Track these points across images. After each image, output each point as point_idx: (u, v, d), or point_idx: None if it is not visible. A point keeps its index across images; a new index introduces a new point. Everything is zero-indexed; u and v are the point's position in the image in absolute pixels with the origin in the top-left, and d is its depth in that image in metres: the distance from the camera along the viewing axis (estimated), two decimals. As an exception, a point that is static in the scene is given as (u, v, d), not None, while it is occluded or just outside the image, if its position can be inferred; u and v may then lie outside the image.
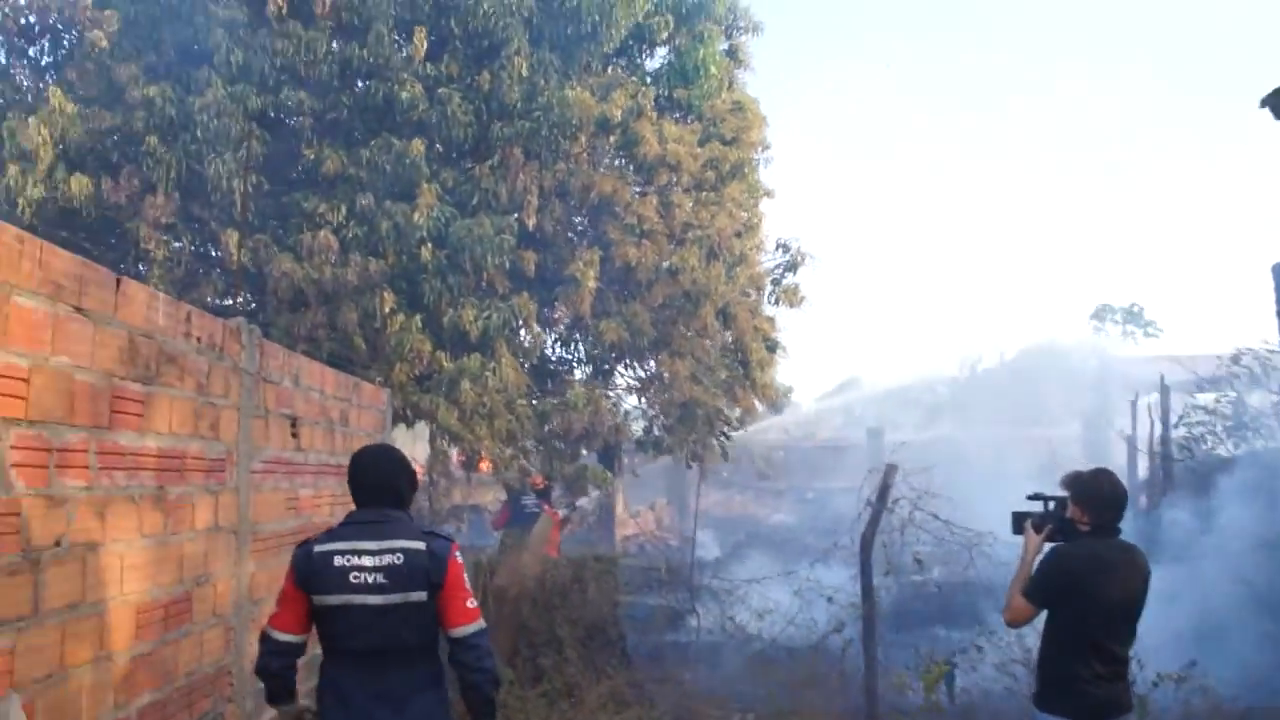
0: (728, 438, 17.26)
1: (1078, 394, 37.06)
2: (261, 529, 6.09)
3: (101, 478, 4.07)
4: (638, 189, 15.34)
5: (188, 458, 4.97)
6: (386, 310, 12.77)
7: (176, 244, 13.30)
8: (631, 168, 15.53)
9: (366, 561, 4.23)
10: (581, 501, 16.94)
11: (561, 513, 15.39)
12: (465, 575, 4.39)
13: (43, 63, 14.62)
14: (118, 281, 4.27)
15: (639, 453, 17.86)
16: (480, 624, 4.34)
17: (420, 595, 4.23)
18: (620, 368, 17.49)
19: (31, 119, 12.49)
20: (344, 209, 13.14)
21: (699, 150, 16.04)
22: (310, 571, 4.31)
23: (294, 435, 6.86)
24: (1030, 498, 5.68)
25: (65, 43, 14.36)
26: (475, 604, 4.38)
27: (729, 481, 33.20)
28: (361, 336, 12.92)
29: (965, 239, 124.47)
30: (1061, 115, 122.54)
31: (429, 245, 13.20)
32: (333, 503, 7.63)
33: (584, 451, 16.38)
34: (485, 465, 15.30)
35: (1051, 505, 5.59)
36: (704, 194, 16.18)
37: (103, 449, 4.09)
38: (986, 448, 32.67)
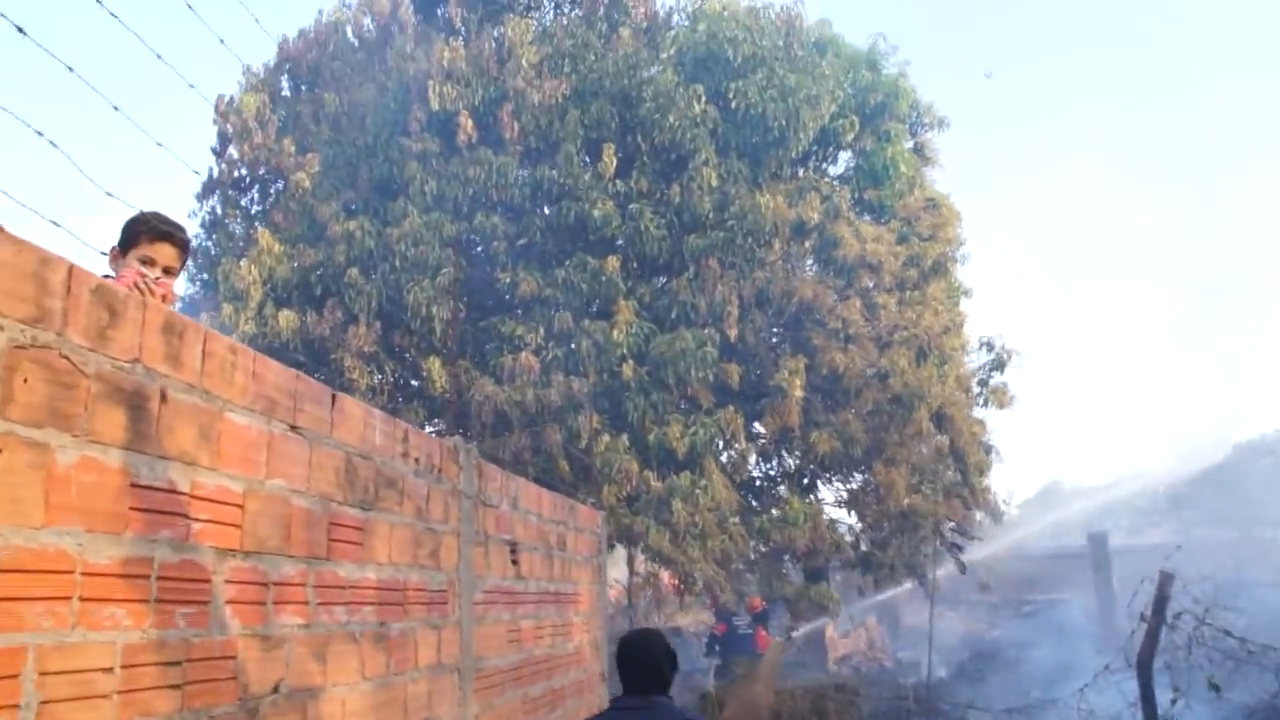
0: (959, 549, 16.08)
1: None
2: (484, 665, 5.56)
3: (321, 614, 3.58)
4: (838, 292, 14.67)
5: (409, 589, 4.49)
6: (591, 431, 12.37)
7: (379, 374, 13.31)
8: (831, 271, 14.91)
9: None
10: (806, 628, 15.96)
11: (777, 638, 14.48)
12: None
13: (253, 211, 15.16)
14: (333, 397, 3.87)
15: (848, 569, 16.75)
16: None
17: None
18: (828, 479, 16.62)
19: (243, 261, 12.83)
20: (542, 330, 12.94)
21: (898, 249, 15.34)
22: None
23: (514, 562, 6.37)
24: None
25: (273, 191, 14.87)
26: None
27: (940, 596, 31.32)
28: (566, 458, 12.56)
29: (1170, 330, 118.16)
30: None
31: (630, 362, 12.82)
32: (553, 634, 7.07)
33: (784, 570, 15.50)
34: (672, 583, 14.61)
35: None
36: (907, 293, 15.41)
37: (321, 582, 3.61)
38: (1222, 551, 30.07)
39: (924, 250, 15.55)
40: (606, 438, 12.51)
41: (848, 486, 16.36)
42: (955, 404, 15.90)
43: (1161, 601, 8.08)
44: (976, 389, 17.30)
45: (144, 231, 3.93)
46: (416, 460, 4.77)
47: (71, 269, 2.43)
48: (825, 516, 14.45)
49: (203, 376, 2.99)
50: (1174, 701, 8.34)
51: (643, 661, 4.68)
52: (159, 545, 2.69)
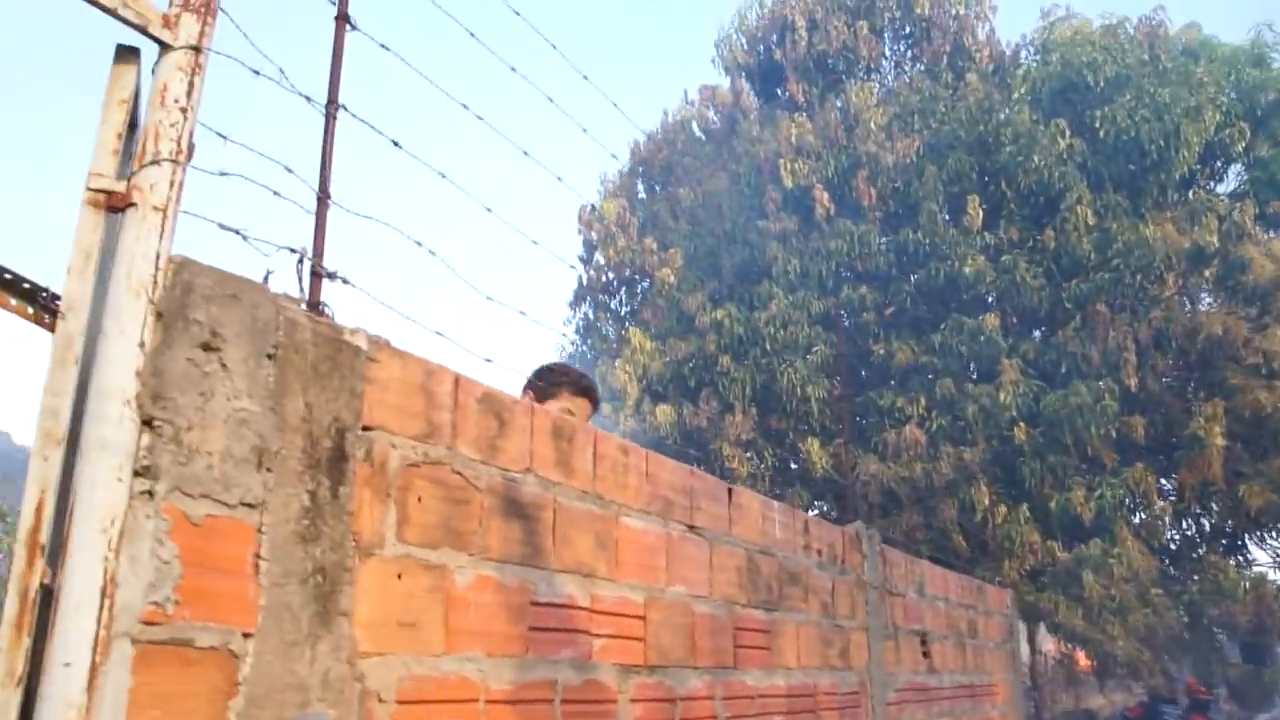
0: None
1: None
2: (908, 773, 5.10)
3: (736, 734, 3.31)
4: (1252, 322, 13.05)
5: (819, 694, 4.14)
6: (986, 502, 11.56)
7: (758, 460, 13.13)
8: (1240, 299, 13.30)
9: None
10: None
11: None
12: None
13: (622, 312, 15.64)
14: (729, 491, 3.63)
15: None
16: None
17: None
18: (1259, 538, 14.68)
19: (617, 361, 13.18)
20: (923, 400, 12.35)
21: (1319, 263, 13.49)
22: None
23: (925, 655, 5.87)
24: None
25: (640, 290, 15.29)
26: None
27: None
28: (962, 534, 11.81)
29: None
30: None
31: (1021, 425, 11.95)
32: (977, 732, 6.46)
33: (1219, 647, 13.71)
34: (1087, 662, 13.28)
35: None
36: (1340, 313, 13.50)
37: (729, 693, 3.35)
38: None
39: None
40: (1003, 509, 11.66)
41: (1288, 545, 14.38)
42: None
43: None
44: None
45: (566, 385, 4.05)
46: (819, 552, 4.45)
47: (459, 379, 2.34)
48: (1272, 583, 12.68)
49: (595, 481, 2.83)
50: None
51: None
52: (561, 666, 2.51)
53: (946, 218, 13.54)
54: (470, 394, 2.36)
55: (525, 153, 8.51)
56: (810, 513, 12.44)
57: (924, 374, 12.49)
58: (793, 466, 13.84)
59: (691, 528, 3.31)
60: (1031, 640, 13.14)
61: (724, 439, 12.59)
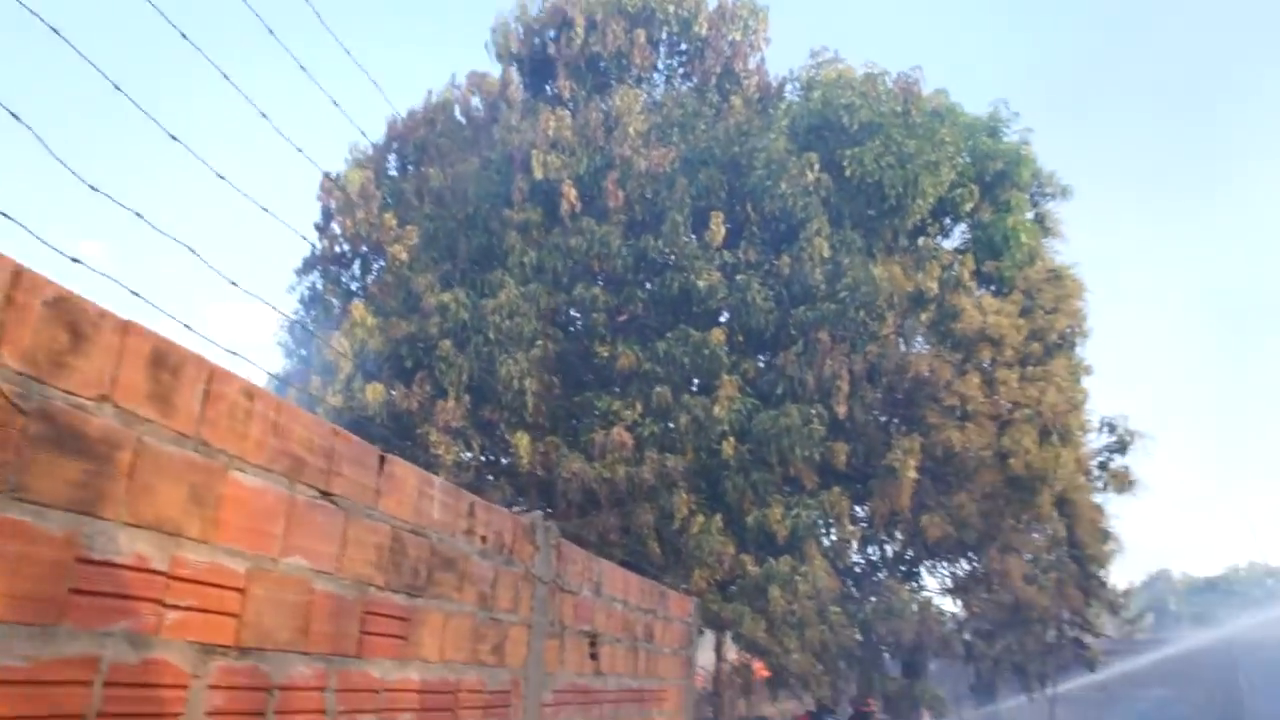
0: (1083, 645, 14.95)
1: None
2: (553, 777, 4.97)
3: (341, 727, 3.03)
4: (956, 367, 13.88)
5: (461, 691, 3.93)
6: (685, 511, 11.72)
7: (466, 450, 12.83)
8: (948, 345, 14.12)
9: None
10: None
11: None
12: None
13: (353, 287, 15.02)
14: (381, 459, 3.35)
15: (954, 663, 15.56)
16: None
17: None
18: (932, 566, 15.66)
19: (335, 334, 12.62)
20: (639, 406, 12.41)
21: (1020, 321, 14.51)
22: None
23: (593, 656, 5.78)
24: None
25: (375, 268, 14.74)
26: None
27: (1037, 690, 29.31)
28: (657, 540, 11.92)
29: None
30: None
31: (730, 439, 12.20)
32: (636, 736, 6.42)
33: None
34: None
35: None
36: (1029, 369, 14.55)
37: (347, 685, 3.07)
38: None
39: (1049, 323, 14.72)
40: (701, 518, 11.86)
41: (954, 574, 15.37)
42: (1078, 488, 14.90)
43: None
44: (1096, 472, 16.25)
45: None
46: (483, 539, 4.22)
47: (20, 272, 1.89)
48: (934, 607, 13.50)
49: (202, 425, 2.45)
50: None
51: None
52: (112, 640, 2.13)
53: (689, 231, 13.70)
54: (36, 294, 1.91)
55: (264, 115, 7.94)
56: (512, 509, 12.29)
57: (645, 381, 12.56)
58: (503, 461, 13.64)
59: (326, 494, 2.99)
60: (719, 649, 13.45)
61: (433, 425, 12.23)
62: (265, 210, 10.02)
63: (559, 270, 13.12)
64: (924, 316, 14.11)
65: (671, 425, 12.20)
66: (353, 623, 3.13)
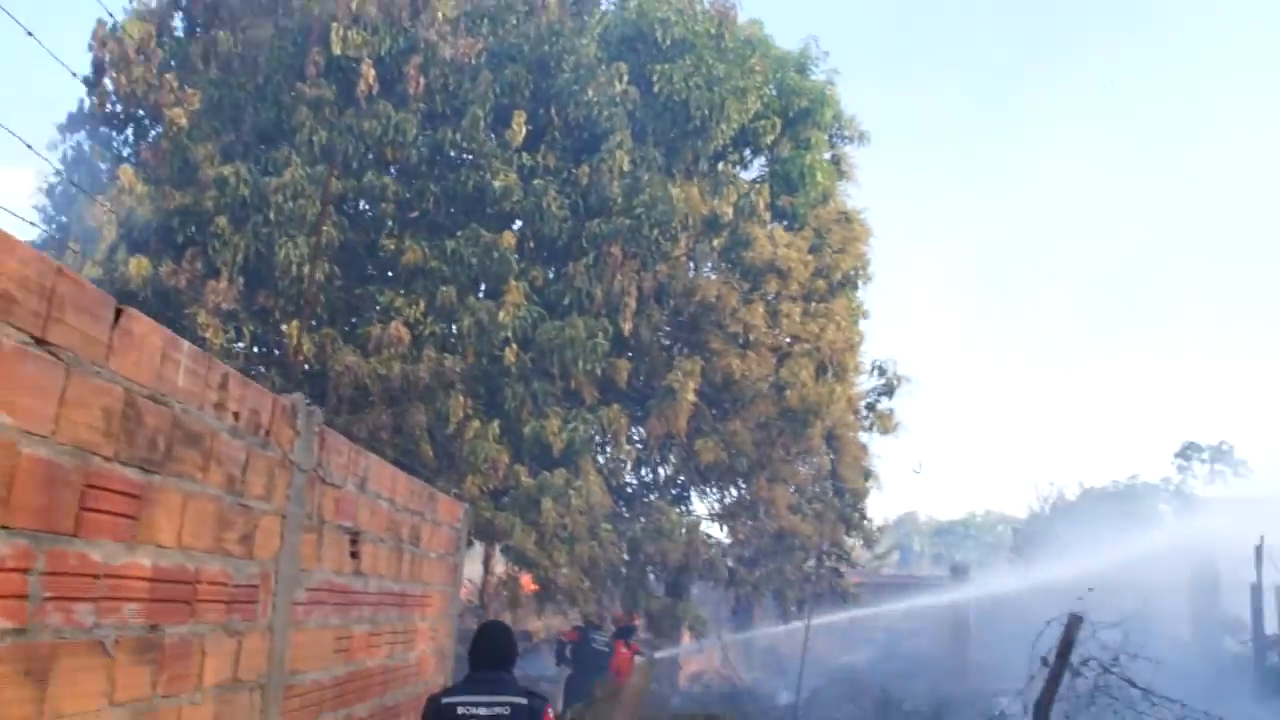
0: (839, 574, 15.52)
1: (1156, 535, 35.53)
2: (299, 680, 4.59)
3: (49, 613, 2.60)
4: (743, 296, 13.97)
5: (201, 582, 3.52)
6: (461, 415, 11.37)
7: (237, 336, 12.00)
8: (737, 273, 14.18)
9: (481, 712, 5.27)
10: (667, 653, 15.15)
11: (639, 659, 13.69)
12: None
13: (124, 152, 13.75)
14: (117, 312, 2.88)
15: (716, 586, 15.86)
16: None
17: None
18: (703, 491, 15.90)
19: (99, 198, 11.54)
20: (422, 304, 11.91)
21: (809, 258, 14.71)
22: (439, 718, 5.30)
23: (353, 555, 5.43)
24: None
25: (150, 134, 13.53)
26: None
27: (791, 616, 30.77)
28: (430, 442, 11.52)
29: (1042, 372, 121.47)
30: (1155, 252, 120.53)
31: (513, 346, 11.90)
32: (393, 642, 6.10)
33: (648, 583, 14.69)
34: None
35: None
36: (813, 305, 14.81)
37: (58, 567, 2.63)
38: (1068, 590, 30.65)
39: (835, 263, 15.00)
40: (477, 424, 11.55)
41: (724, 501, 15.65)
42: (847, 425, 15.37)
43: (1068, 645, 7.50)
44: (864, 412, 16.80)
45: None
46: (236, 415, 3.78)
47: None
48: (703, 531, 13.71)
49: None
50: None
51: (497, 647, 5.62)
52: None
53: (490, 128, 13.17)
54: None
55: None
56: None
57: (430, 279, 12.05)
58: (275, 352, 12.88)
59: (41, 341, 2.52)
60: (487, 561, 13.26)
61: (202, 306, 11.38)
62: (30, 35, 8.95)
63: (350, 154, 12.39)
64: (716, 242, 14.11)
65: (454, 327, 11.79)
66: (70, 495, 2.68)
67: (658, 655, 15.47)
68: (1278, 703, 15.89)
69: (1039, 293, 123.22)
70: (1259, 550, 18.74)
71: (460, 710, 5.29)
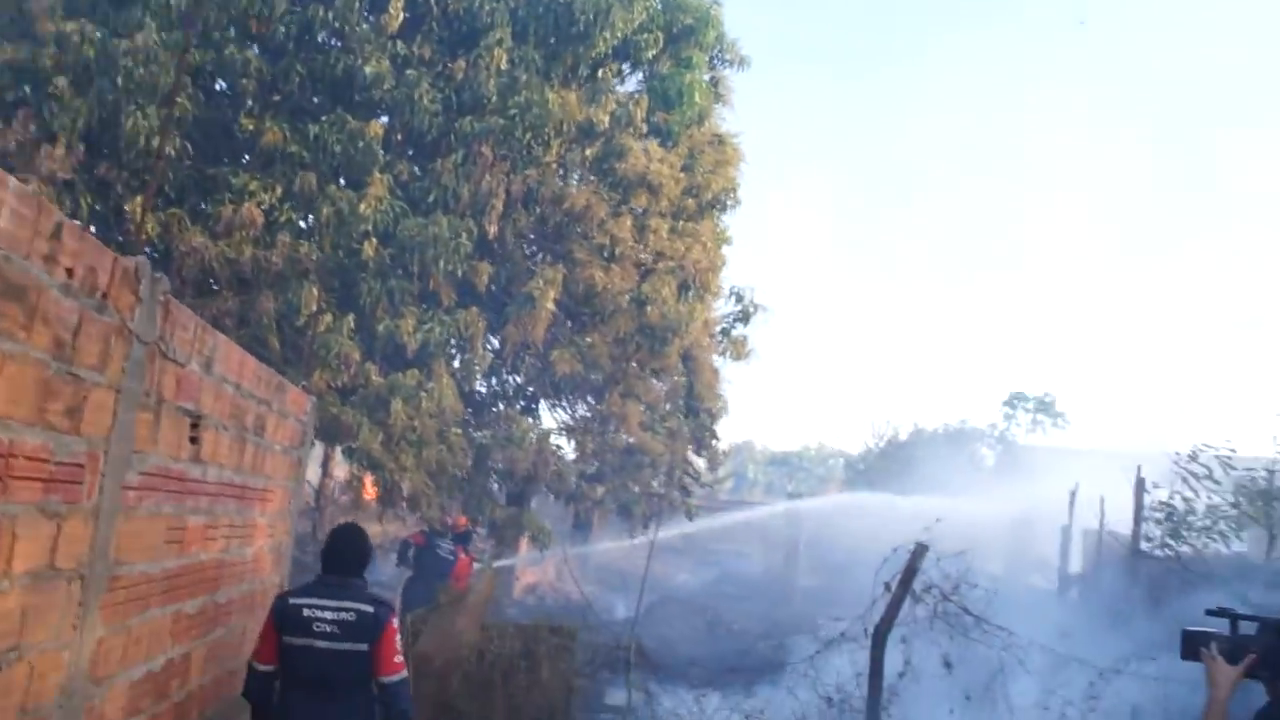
0: (687, 492, 15.66)
1: (980, 477, 37.25)
2: (126, 570, 4.29)
3: None
4: (612, 208, 13.76)
5: (15, 457, 3.20)
6: (314, 307, 10.94)
7: (73, 208, 11.18)
8: (607, 184, 13.93)
9: (327, 615, 5.38)
10: (507, 562, 15.08)
11: (477, 565, 13.62)
12: (397, 637, 5.46)
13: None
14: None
15: (559, 500, 15.78)
16: (403, 674, 5.46)
17: (362, 646, 5.38)
18: (554, 404, 15.78)
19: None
20: (279, 190, 11.32)
21: (680, 175, 14.56)
22: (285, 617, 5.38)
23: (193, 440, 5.11)
24: (1212, 613, 4.18)
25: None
26: (401, 660, 5.46)
27: (640, 532, 31.16)
28: (278, 333, 11.04)
29: (891, 310, 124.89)
30: (997, 212, 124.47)
31: (373, 240, 11.46)
32: (230, 536, 5.81)
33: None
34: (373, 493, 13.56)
35: (1245, 629, 4.07)
36: (681, 223, 14.71)
37: None
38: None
39: (705, 183, 14.87)
40: (330, 318, 11.14)
41: (575, 415, 15.58)
42: (703, 347, 15.41)
43: (911, 572, 7.67)
44: (719, 337, 16.89)
45: None
46: (70, 272, 3.44)
47: None
48: (552, 443, 13.61)
49: None
50: (902, 675, 8.00)
51: (349, 551, 5.72)
52: None
53: (364, 11, 12.53)
54: None
55: None
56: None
57: (289, 164, 11.45)
58: (116, 231, 12.09)
59: None
60: (326, 463, 12.90)
61: (35, 173, 10.56)
62: None
63: (210, 23, 11.60)
64: (589, 151, 13.81)
65: (311, 216, 11.28)
66: None
67: (496, 564, 15.42)
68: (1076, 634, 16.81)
69: (897, 231, 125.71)
70: (1072, 495, 19.75)
71: (306, 612, 5.40)
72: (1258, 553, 14.07)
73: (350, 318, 11.28)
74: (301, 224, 11.41)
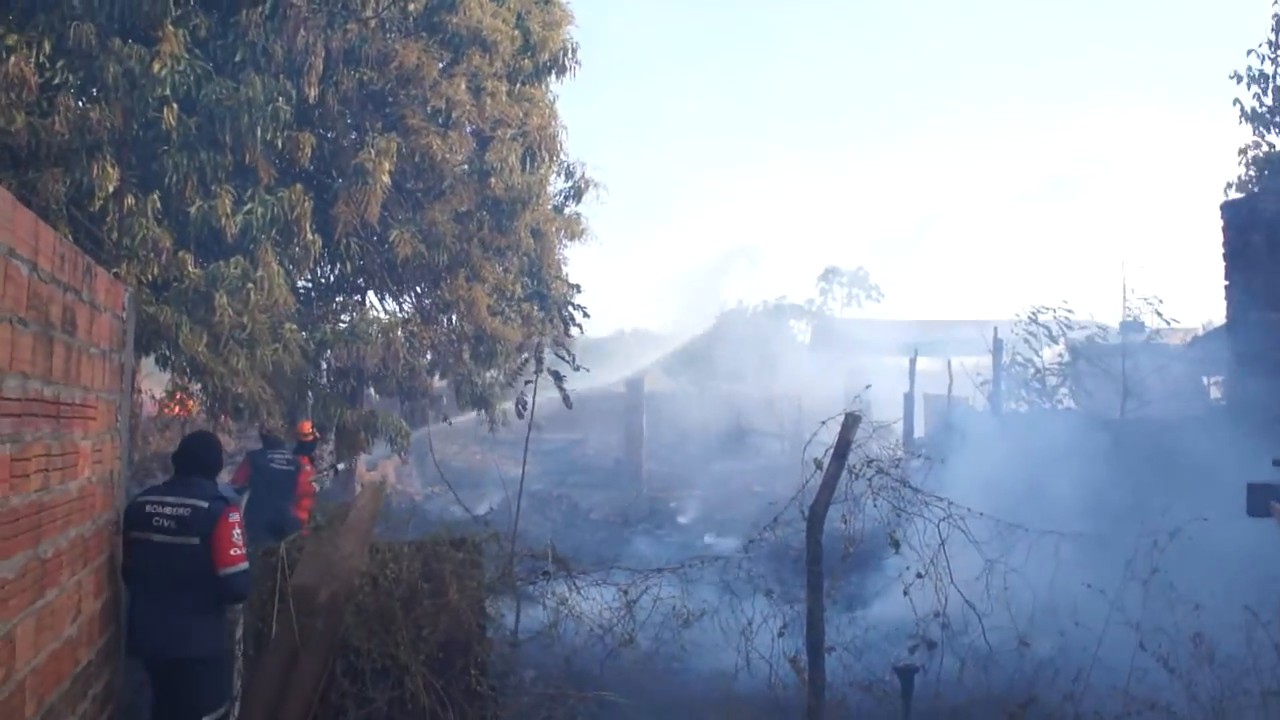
0: (559, 376, 14.46)
1: (799, 353, 37.76)
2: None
3: None
4: (445, 67, 12.22)
5: None
6: (111, 186, 9.12)
7: None
8: (437, 42, 12.32)
9: (167, 510, 5.63)
10: (342, 466, 13.65)
11: (315, 478, 12.25)
12: (235, 531, 5.62)
13: None
14: None
15: (401, 397, 14.36)
16: (241, 566, 5.64)
17: (194, 540, 5.56)
18: (396, 292, 14.30)
19: None
20: (49, 45, 9.31)
21: (515, 33, 13.07)
22: (130, 514, 5.69)
23: (-21, 340, 3.67)
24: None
25: None
26: (240, 553, 5.63)
27: (459, 432, 29.74)
28: (69, 221, 9.19)
29: (705, 193, 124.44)
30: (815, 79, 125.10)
31: (173, 107, 9.64)
32: (46, 469, 4.35)
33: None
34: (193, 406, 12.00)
35: None
36: (519, 87, 13.29)
37: None
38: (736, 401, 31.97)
39: (541, 41, 13.42)
40: (131, 200, 9.33)
41: (420, 303, 14.15)
42: (549, 219, 14.17)
43: (844, 445, 6.83)
44: (553, 215, 15.64)
45: None
46: None
47: None
48: (398, 333, 12.18)
49: None
50: (844, 558, 7.23)
51: (196, 450, 5.98)
52: None
53: None
54: None
55: None
56: None
57: (56, 12, 9.38)
58: None
59: None
60: (134, 373, 11.13)
61: None
62: None
63: None
64: (413, 6, 12.09)
65: (96, 78, 9.36)
66: None
67: (340, 467, 14.03)
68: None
69: (717, 103, 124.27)
70: (912, 363, 19.79)
71: (149, 509, 5.65)
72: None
73: (155, 197, 9.50)
74: (88, 82, 9.47)
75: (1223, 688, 6.34)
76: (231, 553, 5.57)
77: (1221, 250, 11.42)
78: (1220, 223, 11.48)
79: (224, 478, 10.51)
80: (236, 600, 5.81)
